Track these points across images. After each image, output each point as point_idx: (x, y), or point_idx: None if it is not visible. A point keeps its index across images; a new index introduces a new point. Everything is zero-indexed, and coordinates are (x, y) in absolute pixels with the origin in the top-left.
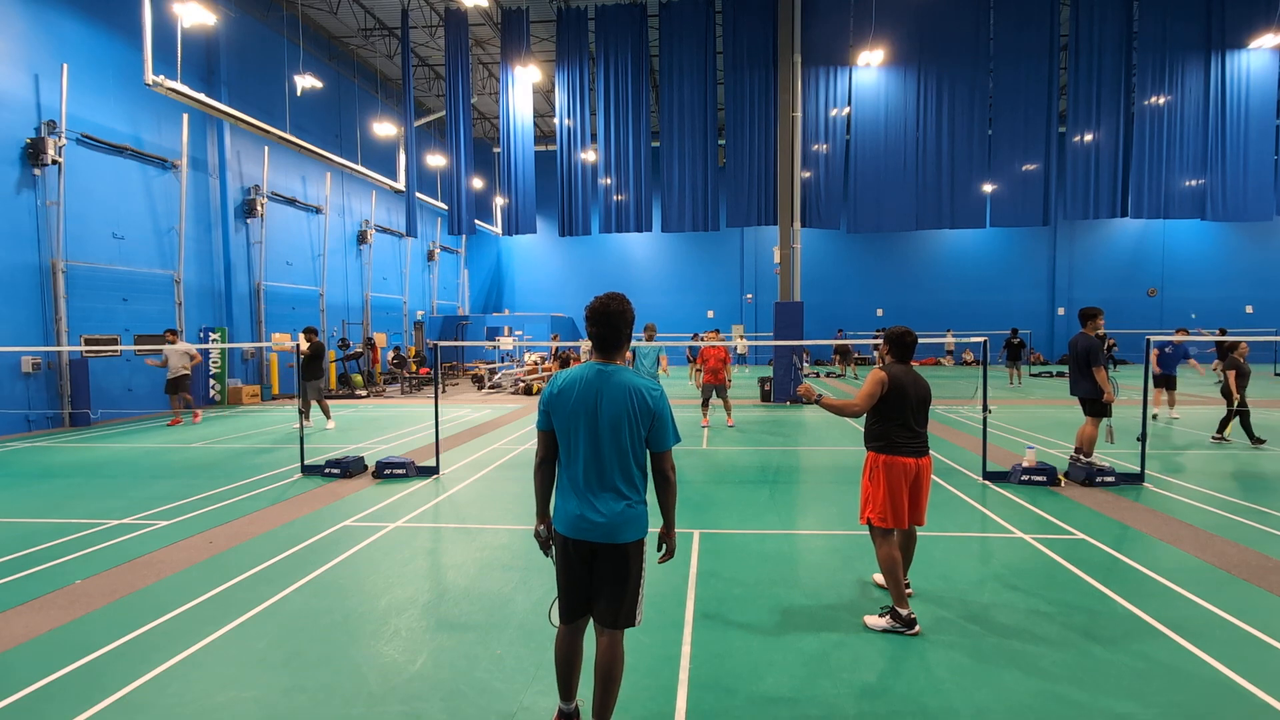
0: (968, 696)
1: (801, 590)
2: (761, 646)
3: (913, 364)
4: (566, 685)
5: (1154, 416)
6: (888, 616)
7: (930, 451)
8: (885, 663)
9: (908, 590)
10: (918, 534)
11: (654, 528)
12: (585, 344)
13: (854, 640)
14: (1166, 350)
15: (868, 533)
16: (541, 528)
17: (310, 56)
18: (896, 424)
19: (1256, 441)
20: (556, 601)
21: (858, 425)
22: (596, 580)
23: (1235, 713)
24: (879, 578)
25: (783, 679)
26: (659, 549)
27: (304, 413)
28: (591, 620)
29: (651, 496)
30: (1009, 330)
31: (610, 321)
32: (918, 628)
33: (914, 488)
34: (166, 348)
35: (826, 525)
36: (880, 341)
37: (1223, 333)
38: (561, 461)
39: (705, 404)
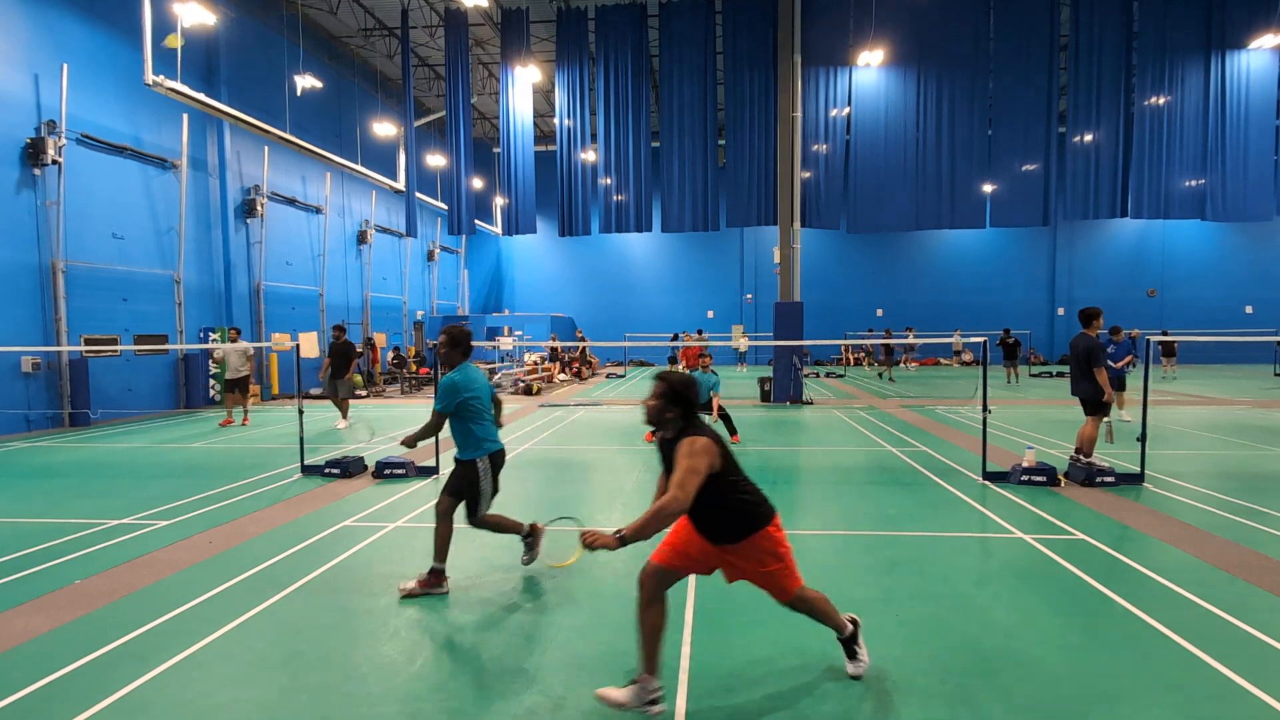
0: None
1: None
2: (762, 647)
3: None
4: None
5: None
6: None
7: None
8: (883, 658)
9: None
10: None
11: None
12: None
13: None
14: (1109, 350)
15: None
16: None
17: (310, 56)
18: (744, 486)
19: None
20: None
21: (856, 424)
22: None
23: (1235, 713)
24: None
25: (784, 679)
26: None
27: (342, 411)
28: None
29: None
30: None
31: (467, 344)
32: (661, 707)
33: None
34: (226, 346)
35: (826, 526)
36: (880, 345)
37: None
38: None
39: None
